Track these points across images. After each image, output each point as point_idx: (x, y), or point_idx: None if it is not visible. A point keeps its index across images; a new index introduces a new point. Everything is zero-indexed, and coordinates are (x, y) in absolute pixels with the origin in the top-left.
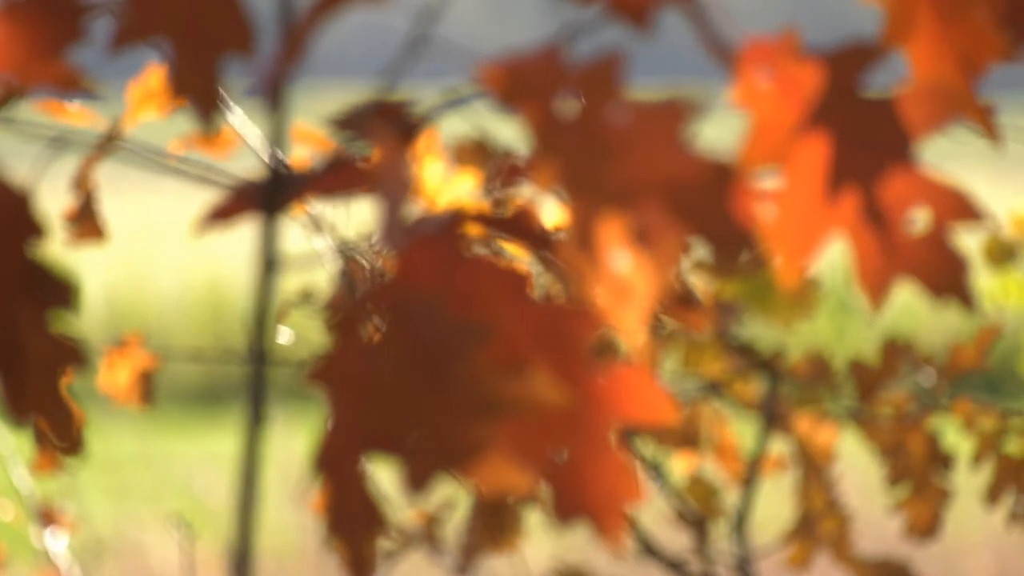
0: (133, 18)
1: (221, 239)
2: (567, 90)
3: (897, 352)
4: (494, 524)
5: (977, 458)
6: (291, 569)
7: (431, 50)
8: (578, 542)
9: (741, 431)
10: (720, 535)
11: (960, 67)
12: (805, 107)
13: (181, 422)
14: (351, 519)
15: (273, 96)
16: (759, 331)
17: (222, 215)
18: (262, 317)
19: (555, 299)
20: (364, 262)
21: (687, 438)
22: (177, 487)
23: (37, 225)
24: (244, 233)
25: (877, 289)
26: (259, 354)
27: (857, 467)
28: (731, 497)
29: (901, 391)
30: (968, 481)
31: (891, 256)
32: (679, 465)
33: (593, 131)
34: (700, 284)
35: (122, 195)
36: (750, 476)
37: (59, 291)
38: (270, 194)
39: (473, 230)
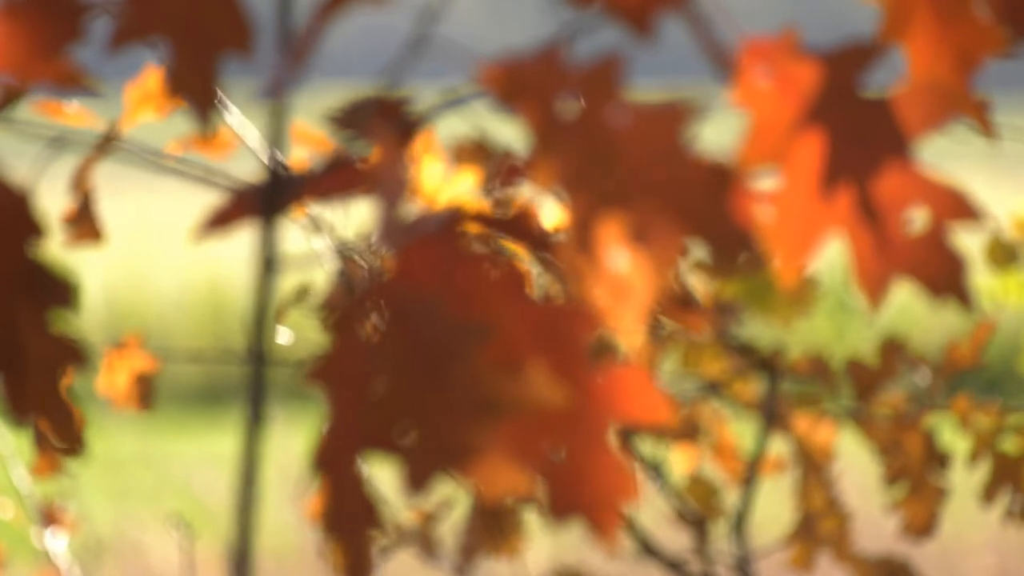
0: (131, 17)
1: (220, 239)
2: (567, 91)
3: (895, 351)
4: (493, 525)
5: (974, 456)
6: (291, 569)
7: (432, 50)
8: (577, 542)
9: (740, 431)
10: (720, 535)
11: (957, 64)
12: (804, 106)
13: (181, 422)
14: (349, 519)
15: (278, 98)
16: (758, 331)
17: (221, 220)
18: (261, 317)
19: (554, 299)
20: (363, 262)
21: (686, 438)
22: (177, 487)
23: (37, 225)
24: (244, 234)
25: (875, 288)
26: (258, 354)
27: (856, 466)
28: (731, 497)
29: (899, 390)
30: (968, 480)
31: (889, 255)
32: (679, 465)
33: (593, 132)
34: (699, 284)
35: (121, 195)
36: (750, 476)
37: (59, 291)
38: (269, 195)
39: (472, 230)
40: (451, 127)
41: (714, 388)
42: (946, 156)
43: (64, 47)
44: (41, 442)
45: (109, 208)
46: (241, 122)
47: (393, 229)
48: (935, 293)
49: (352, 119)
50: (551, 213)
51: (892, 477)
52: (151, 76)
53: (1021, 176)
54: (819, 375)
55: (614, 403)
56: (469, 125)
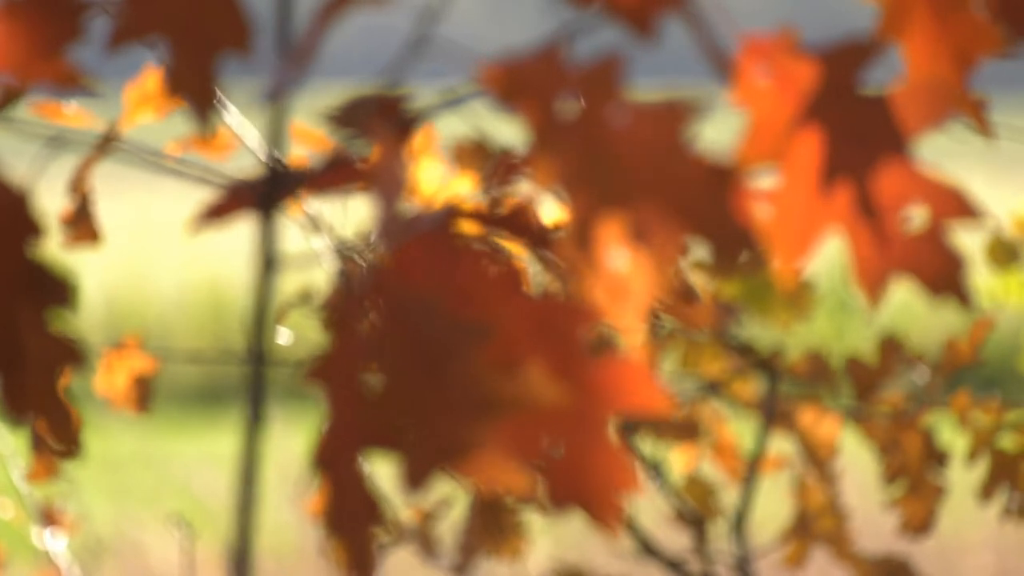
0: (130, 17)
1: (220, 239)
2: (567, 91)
3: (894, 350)
4: (492, 524)
5: (972, 454)
6: (291, 569)
7: (432, 51)
8: (576, 542)
9: (740, 430)
10: (719, 534)
11: (955, 62)
12: (802, 105)
13: (181, 422)
14: (351, 517)
15: (279, 100)
16: (758, 331)
17: (217, 213)
18: (261, 317)
19: (552, 295)
20: (362, 261)
21: (686, 437)
22: (177, 487)
23: (35, 224)
24: (243, 233)
25: (874, 286)
26: (258, 354)
27: (856, 465)
28: (730, 496)
29: (898, 389)
30: (968, 479)
31: (888, 253)
32: (678, 464)
33: (593, 132)
34: (699, 284)
35: (121, 196)
36: (749, 475)
37: (57, 290)
38: (268, 192)
39: (471, 228)
40: (451, 128)
41: (714, 387)
42: (946, 155)
43: (63, 47)
44: (38, 445)
45: (109, 208)
46: (240, 122)
47: (391, 227)
48: (934, 292)
49: (350, 117)
50: (550, 212)
51: (891, 475)
52: (150, 76)
53: (1021, 175)
54: (818, 374)
55: (613, 395)
56: (469, 126)
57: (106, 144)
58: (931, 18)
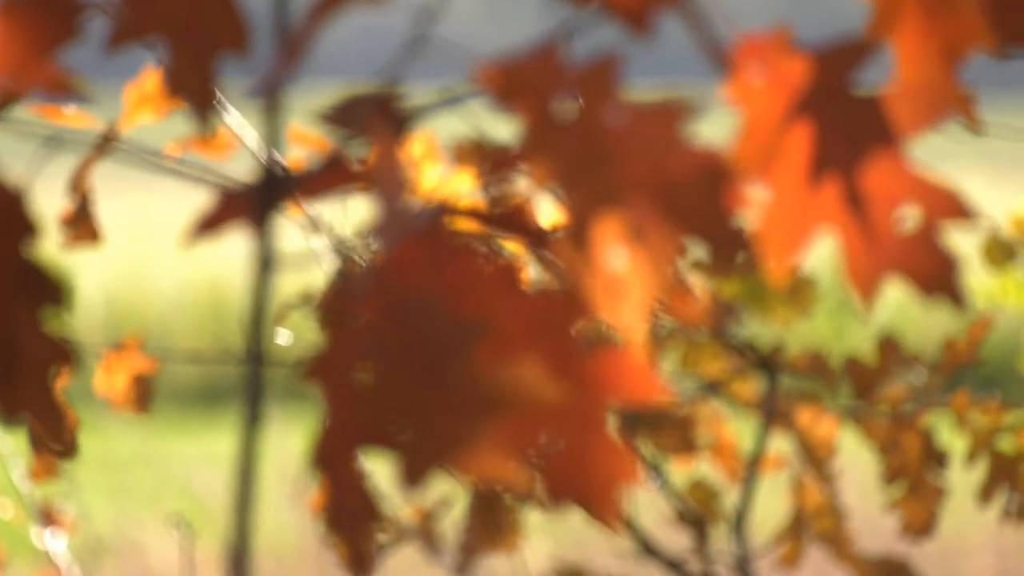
0: (129, 17)
1: (214, 242)
2: (564, 90)
3: (893, 350)
4: (492, 522)
5: (971, 456)
6: (290, 568)
7: (430, 50)
8: (576, 541)
9: (740, 430)
10: (719, 534)
11: (945, 59)
12: (795, 103)
13: (180, 422)
14: (349, 516)
15: (271, 97)
16: (757, 330)
17: (212, 223)
18: (258, 316)
19: (547, 291)
20: (360, 260)
21: (686, 437)
22: (176, 487)
23: (31, 224)
24: (242, 234)
25: (866, 285)
26: (256, 354)
27: (855, 465)
28: (730, 496)
29: (898, 388)
30: (968, 479)
31: (880, 252)
32: (678, 465)
33: (590, 131)
34: (698, 283)
35: (120, 196)
36: (749, 475)
37: (52, 291)
38: (265, 194)
39: (468, 226)
40: (451, 128)
41: (713, 387)
42: (945, 156)
43: (60, 47)
44: (37, 444)
45: (108, 209)
46: (240, 123)
47: (389, 226)
48: (927, 292)
49: (346, 117)
50: (548, 210)
51: (891, 476)
52: (150, 77)
53: (1019, 175)
54: (818, 374)
55: (610, 388)
56: (468, 126)
57: (106, 144)
58: (921, 15)
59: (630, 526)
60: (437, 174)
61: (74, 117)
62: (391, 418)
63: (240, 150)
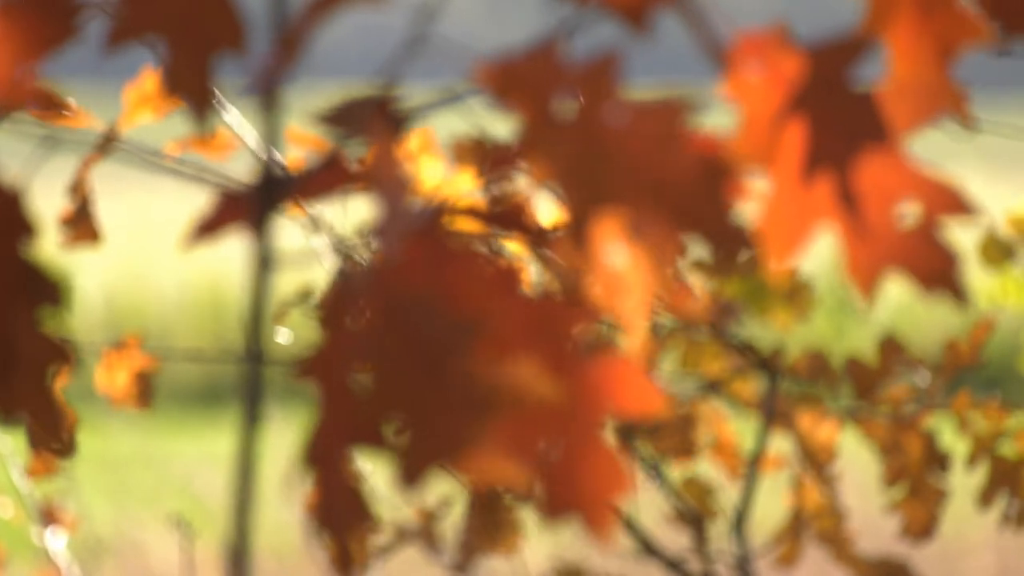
0: (127, 17)
1: (213, 244)
2: (564, 88)
3: (894, 351)
4: (491, 523)
5: (972, 459)
6: (290, 568)
7: (429, 49)
8: (576, 541)
9: (740, 430)
10: (719, 534)
11: (940, 56)
12: (793, 100)
13: (181, 422)
14: (339, 515)
15: (268, 95)
16: (758, 330)
17: (211, 226)
18: (257, 315)
19: (547, 293)
20: (360, 259)
21: (685, 439)
22: (176, 487)
23: (29, 224)
24: (241, 233)
25: (866, 281)
26: (255, 353)
27: (855, 465)
28: (730, 496)
29: (899, 390)
30: (969, 480)
31: (879, 248)
32: (678, 464)
33: (590, 129)
34: (699, 283)
35: (120, 196)
36: (749, 475)
37: (50, 290)
38: (264, 194)
39: (469, 226)
40: (451, 127)
41: (714, 387)
42: (944, 155)
43: (57, 48)
44: (36, 443)
45: (108, 208)
46: (239, 122)
47: (389, 226)
48: (927, 287)
49: (345, 117)
50: (548, 209)
51: (892, 478)
52: (149, 77)
53: (1019, 175)
54: (819, 374)
55: (607, 396)
56: (468, 125)
57: (106, 144)
58: (916, 13)
59: (630, 525)
60: (437, 173)
61: (73, 117)
62: (388, 418)
63: (239, 150)
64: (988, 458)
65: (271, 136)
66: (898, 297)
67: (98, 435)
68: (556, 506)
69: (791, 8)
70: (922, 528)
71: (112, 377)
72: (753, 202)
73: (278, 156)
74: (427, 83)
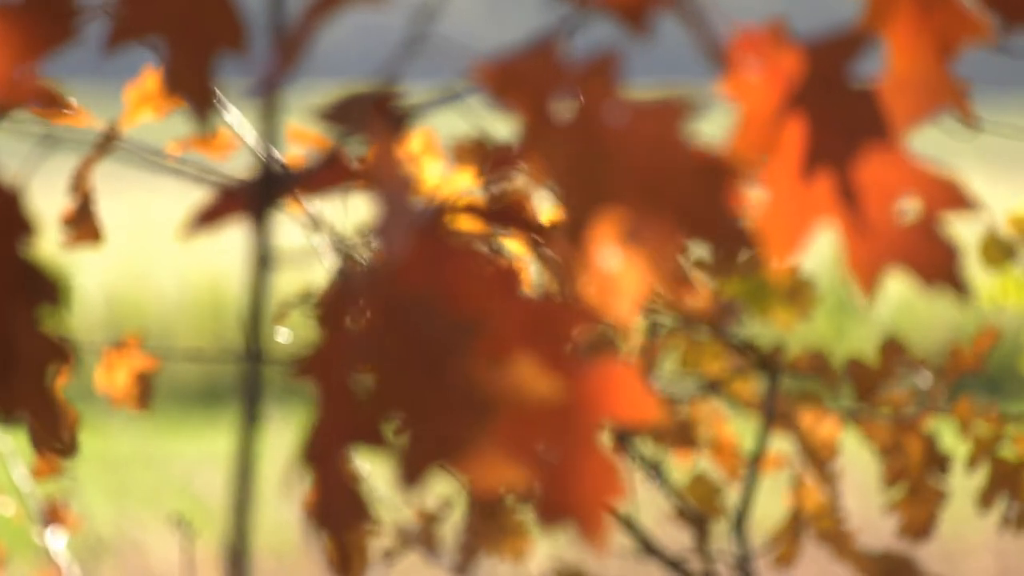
0: (127, 17)
1: (219, 238)
2: (563, 88)
3: (896, 352)
4: (492, 524)
5: (972, 462)
6: (290, 567)
7: (428, 49)
8: (577, 541)
9: (740, 430)
10: (720, 533)
11: (939, 52)
12: (792, 97)
13: (181, 421)
14: (337, 513)
15: (270, 96)
16: (758, 330)
17: (210, 217)
18: (256, 314)
19: (547, 294)
20: (360, 258)
21: (686, 437)
22: (177, 487)
23: (27, 223)
24: (243, 232)
25: (867, 278)
26: (254, 351)
27: (856, 466)
28: (731, 495)
29: (900, 391)
30: (969, 481)
31: (880, 244)
32: (679, 464)
33: (589, 129)
34: (699, 282)
35: (121, 195)
36: (750, 475)
37: (49, 289)
38: (263, 191)
39: (469, 226)
40: (452, 126)
41: (714, 386)
42: (944, 154)
43: (57, 49)
44: (37, 443)
45: (108, 208)
46: (239, 122)
47: (389, 225)
48: (928, 281)
49: (345, 115)
50: (547, 208)
51: (892, 479)
52: (149, 78)
53: (1019, 175)
54: (819, 374)
55: (603, 401)
56: (469, 124)
57: (106, 143)
58: (914, 8)
59: (630, 525)
60: (437, 172)
61: (73, 116)
62: (387, 417)
63: (240, 149)
64: (989, 460)
65: (270, 134)
66: (899, 295)
67: (98, 435)
68: (551, 509)
69: (789, 6)
70: (920, 528)
71: (112, 377)
72: (753, 200)
73: (277, 154)
74: (427, 83)
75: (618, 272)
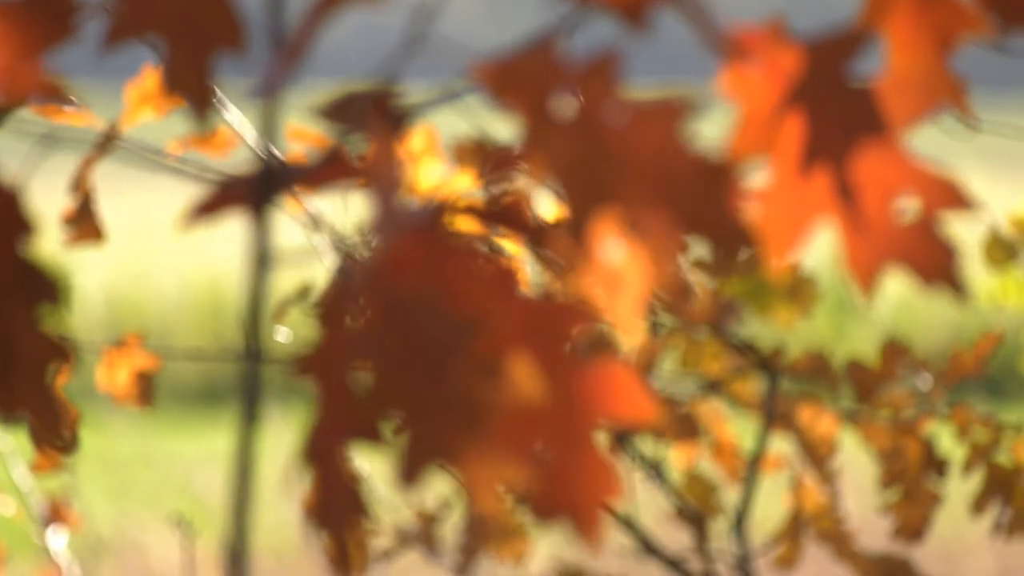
0: (126, 16)
1: (219, 237)
2: (563, 87)
3: (896, 354)
4: (492, 524)
5: (968, 466)
6: (290, 567)
7: (428, 49)
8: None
9: (740, 430)
10: (720, 532)
11: (938, 49)
12: (791, 95)
13: (181, 421)
14: (337, 511)
15: (270, 98)
16: (758, 329)
17: (208, 209)
18: (255, 313)
19: (546, 294)
20: (360, 257)
21: (686, 436)
22: (177, 486)
23: (27, 222)
24: (242, 231)
25: (866, 276)
26: (253, 350)
27: (854, 466)
28: (730, 495)
29: (900, 393)
30: (970, 482)
31: (879, 243)
32: (679, 463)
33: (589, 128)
34: (699, 282)
35: (121, 194)
36: (750, 475)
37: (49, 288)
38: (262, 188)
39: (469, 226)
40: (452, 126)
41: (714, 387)
42: (945, 154)
43: (56, 47)
44: (39, 442)
45: (109, 207)
46: (239, 120)
47: (385, 222)
48: (926, 281)
49: (344, 113)
50: (548, 208)
51: (889, 480)
52: (150, 76)
53: (1019, 175)
54: (819, 374)
55: (600, 401)
56: (470, 124)
57: (107, 142)
58: (914, 5)
59: (630, 525)
60: (438, 173)
61: (73, 115)
62: (386, 416)
63: (240, 148)
64: (984, 465)
65: (270, 133)
66: (900, 294)
67: (98, 434)
68: (547, 508)
69: (789, 4)
70: (915, 530)
71: (113, 376)
72: (752, 199)
73: (277, 152)
74: (427, 82)
75: (619, 271)
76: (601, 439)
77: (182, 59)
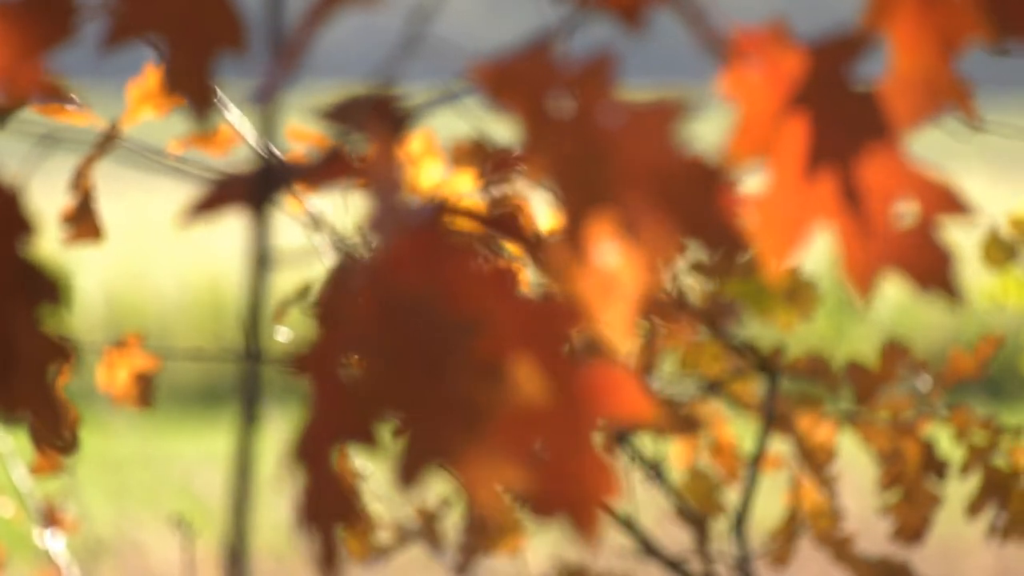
0: (126, 16)
1: (219, 237)
2: (559, 88)
3: (896, 355)
4: (491, 523)
5: (965, 468)
6: (289, 567)
7: (426, 50)
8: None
9: (740, 430)
10: (720, 534)
11: (941, 51)
12: (791, 98)
13: (181, 421)
14: (326, 510)
15: (270, 101)
16: (758, 331)
17: (207, 207)
18: (255, 313)
19: (543, 295)
20: (359, 257)
21: (686, 437)
22: (176, 487)
23: (27, 222)
24: (242, 231)
25: (864, 280)
26: (252, 351)
27: (852, 467)
28: (730, 496)
29: (899, 395)
30: (970, 483)
31: (876, 247)
32: (678, 464)
33: (586, 129)
34: (697, 284)
35: (121, 194)
36: (749, 476)
37: (49, 288)
38: (261, 187)
39: (466, 227)
40: (451, 128)
41: (714, 388)
42: (945, 154)
43: (56, 47)
44: (39, 443)
45: (108, 207)
46: (240, 120)
47: (383, 222)
48: (923, 286)
49: (344, 114)
50: (545, 210)
51: (888, 482)
52: (151, 76)
53: (1019, 175)
54: (819, 375)
55: (597, 400)
56: (469, 126)
57: (108, 142)
58: (916, 7)
59: (630, 525)
60: (437, 174)
61: (73, 115)
62: (382, 415)
63: (241, 147)
64: (982, 468)
65: (270, 133)
66: (899, 295)
67: (98, 435)
68: (544, 507)
69: (790, 5)
70: (914, 532)
71: (113, 376)
72: (750, 201)
73: (276, 151)
74: (425, 83)
75: (615, 273)
76: (598, 439)
77: (182, 59)
